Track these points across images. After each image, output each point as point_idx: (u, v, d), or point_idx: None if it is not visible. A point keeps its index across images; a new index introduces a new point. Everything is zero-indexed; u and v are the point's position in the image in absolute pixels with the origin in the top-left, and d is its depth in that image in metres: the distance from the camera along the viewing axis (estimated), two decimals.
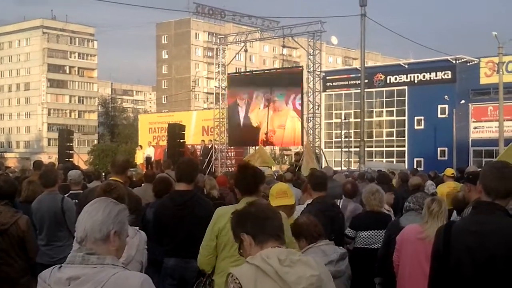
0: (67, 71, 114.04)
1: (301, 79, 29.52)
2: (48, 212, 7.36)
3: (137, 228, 4.65)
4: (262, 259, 2.97)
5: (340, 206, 8.68)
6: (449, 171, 12.90)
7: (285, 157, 61.29)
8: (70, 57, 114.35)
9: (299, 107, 29.41)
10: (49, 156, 71.03)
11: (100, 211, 2.94)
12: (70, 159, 27.37)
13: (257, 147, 28.48)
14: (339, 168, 44.48)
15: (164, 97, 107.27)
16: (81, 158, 43.67)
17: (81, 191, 8.27)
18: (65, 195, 8.13)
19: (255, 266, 2.97)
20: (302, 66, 32.23)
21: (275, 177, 14.77)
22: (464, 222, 3.62)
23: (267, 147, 32.46)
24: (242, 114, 31.68)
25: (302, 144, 27.51)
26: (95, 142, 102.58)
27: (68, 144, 28.86)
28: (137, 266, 4.46)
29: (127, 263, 4.32)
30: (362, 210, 8.04)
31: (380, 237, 7.26)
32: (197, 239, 4.95)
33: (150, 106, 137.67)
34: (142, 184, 10.49)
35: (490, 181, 3.50)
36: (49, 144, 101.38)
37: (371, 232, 7.32)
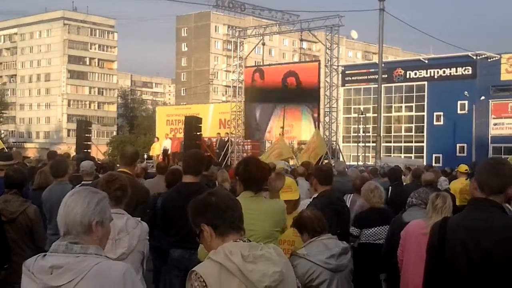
0: (87, 63, 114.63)
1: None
2: (57, 201, 7.38)
3: (139, 218, 4.69)
4: (225, 256, 2.90)
5: (350, 201, 8.69)
6: (463, 167, 12.82)
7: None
8: (91, 48, 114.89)
9: (315, 107, 29.55)
10: (69, 146, 71.53)
11: (78, 203, 2.95)
12: (88, 150, 27.56)
13: (273, 141, 28.56)
14: (355, 163, 44.35)
15: (183, 89, 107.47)
16: (100, 149, 43.94)
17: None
18: (78, 186, 8.20)
19: (218, 264, 2.90)
20: (319, 60, 32.18)
21: (289, 170, 14.78)
22: (459, 218, 3.60)
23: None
24: (258, 112, 31.91)
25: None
26: (114, 133, 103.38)
27: (86, 135, 29.04)
28: (139, 256, 4.50)
29: (129, 253, 4.37)
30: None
31: (386, 232, 7.26)
32: None
33: (169, 99, 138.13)
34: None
35: (484, 177, 3.49)
36: (68, 135, 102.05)
37: (376, 228, 7.31)
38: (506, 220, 3.45)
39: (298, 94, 29.71)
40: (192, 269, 2.96)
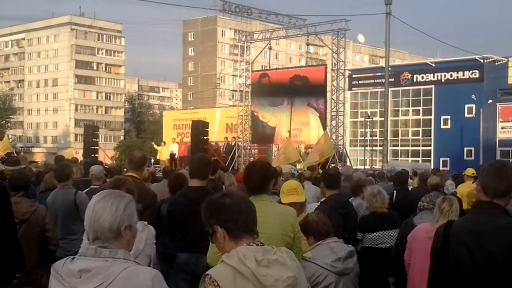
0: (95, 68, 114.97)
1: (325, 80, 29.54)
2: (62, 206, 7.46)
3: (146, 222, 4.71)
4: (239, 260, 2.90)
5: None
6: (470, 171, 12.75)
7: None
8: (98, 53, 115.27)
9: (322, 106, 29.50)
10: (76, 151, 71.85)
11: (106, 210, 2.91)
12: (95, 155, 27.63)
13: (280, 145, 28.56)
14: (362, 167, 44.30)
15: (190, 94, 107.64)
16: (107, 154, 44.07)
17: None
18: (86, 190, 8.25)
19: (233, 268, 2.90)
20: (326, 65, 32.21)
21: (296, 174, 14.80)
22: (463, 221, 3.60)
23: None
24: (265, 116, 31.99)
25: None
26: (121, 138, 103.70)
27: (94, 139, 29.12)
28: (146, 260, 4.52)
29: (135, 257, 4.36)
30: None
31: (388, 236, 7.28)
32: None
33: (176, 103, 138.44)
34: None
35: (487, 181, 3.48)
36: (76, 140, 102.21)
37: (379, 233, 7.33)
38: (510, 223, 3.43)
39: (305, 88, 29.96)
40: (206, 273, 2.96)
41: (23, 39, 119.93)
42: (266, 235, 4.31)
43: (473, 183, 10.55)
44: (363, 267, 6.74)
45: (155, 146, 34.08)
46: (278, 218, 4.60)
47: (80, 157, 26.63)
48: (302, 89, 30.11)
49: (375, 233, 7.30)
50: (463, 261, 3.41)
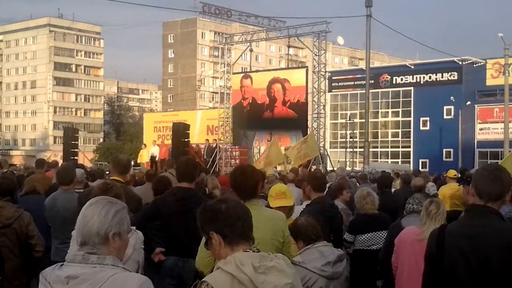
0: (74, 70, 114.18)
1: (306, 79, 29.58)
2: (63, 210, 7.22)
3: (134, 227, 4.65)
4: (237, 267, 2.87)
5: None
6: (452, 173, 12.80)
7: None
8: (77, 55, 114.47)
9: (303, 107, 29.53)
10: (55, 154, 71.29)
11: (95, 214, 2.89)
12: (75, 157, 27.39)
13: (261, 147, 28.50)
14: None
15: (170, 96, 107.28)
16: (87, 156, 43.73)
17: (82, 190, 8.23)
18: None
19: (230, 275, 2.87)
20: (307, 67, 32.22)
21: (277, 177, 14.78)
22: (457, 225, 3.60)
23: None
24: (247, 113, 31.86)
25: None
26: (101, 140, 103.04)
27: (73, 142, 28.88)
28: (134, 266, 4.47)
29: (124, 262, 4.32)
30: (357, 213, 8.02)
31: (380, 238, 7.27)
32: (197, 237, 4.90)
33: (156, 105, 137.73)
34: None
35: (481, 184, 3.49)
36: (54, 142, 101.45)
37: (370, 234, 7.34)
38: (505, 227, 3.45)
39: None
40: (203, 279, 2.93)
41: (1, 41, 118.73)
42: (256, 240, 4.26)
43: (459, 185, 10.55)
44: (355, 269, 6.75)
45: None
46: (269, 223, 4.57)
47: (59, 160, 26.37)
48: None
49: (366, 235, 7.33)
50: (458, 265, 3.41)
